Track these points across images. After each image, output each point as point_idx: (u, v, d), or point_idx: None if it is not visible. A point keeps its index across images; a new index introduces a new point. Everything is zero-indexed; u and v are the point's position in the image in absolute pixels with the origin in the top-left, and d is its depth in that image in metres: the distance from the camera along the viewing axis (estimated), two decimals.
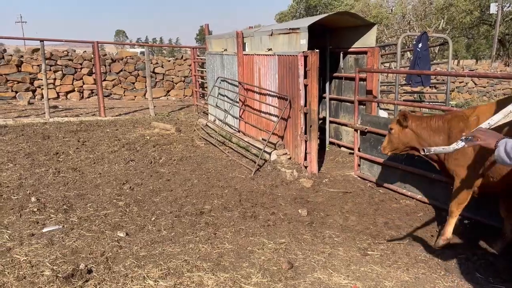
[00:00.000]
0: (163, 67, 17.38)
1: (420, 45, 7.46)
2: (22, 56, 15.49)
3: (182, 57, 18.23)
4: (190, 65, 17.08)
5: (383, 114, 7.57)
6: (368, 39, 7.37)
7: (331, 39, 8.25)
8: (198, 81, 14.14)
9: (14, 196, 5.49)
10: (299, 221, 5.08)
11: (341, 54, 7.98)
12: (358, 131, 6.60)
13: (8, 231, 4.41)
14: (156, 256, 4.00)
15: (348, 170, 7.12)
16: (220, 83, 10.00)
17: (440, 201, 5.32)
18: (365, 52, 7.28)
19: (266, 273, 3.75)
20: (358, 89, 6.57)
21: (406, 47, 20.34)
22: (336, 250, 4.28)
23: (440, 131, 4.54)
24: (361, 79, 6.98)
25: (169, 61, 17.88)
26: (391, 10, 37.22)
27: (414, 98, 13.79)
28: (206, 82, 13.20)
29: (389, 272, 3.85)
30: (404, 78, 8.38)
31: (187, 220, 4.96)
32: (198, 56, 15.14)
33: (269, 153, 7.45)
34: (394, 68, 9.10)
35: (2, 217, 4.80)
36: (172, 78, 17.42)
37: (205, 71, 12.97)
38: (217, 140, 9.01)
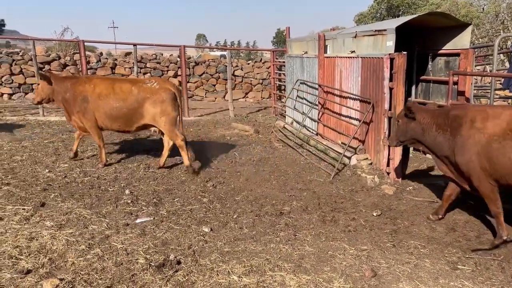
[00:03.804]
0: (242, 70, 17.82)
1: None
2: (116, 59, 16.78)
3: (261, 60, 18.54)
4: (268, 68, 17.32)
5: None
6: (461, 41, 6.94)
7: (418, 40, 7.89)
8: (276, 83, 14.30)
9: (111, 188, 5.98)
10: (381, 228, 4.93)
11: (430, 56, 7.60)
12: None
13: (106, 220, 4.82)
14: (239, 253, 4.12)
15: (434, 178, 6.75)
16: (299, 85, 10.03)
17: None
18: (457, 54, 6.86)
19: (348, 279, 3.70)
20: (451, 93, 6.22)
21: (500, 48, 18.77)
22: (423, 261, 4.10)
23: (68, 91, 6.69)
24: (453, 83, 6.59)
25: (248, 63, 18.29)
26: (483, 8, 34.59)
27: (509, 103, 12.68)
28: (283, 85, 13.32)
29: None
30: (500, 82, 7.76)
31: (267, 220, 5.05)
32: (276, 59, 15.31)
33: (349, 158, 7.32)
34: (490, 71, 8.46)
35: (101, 206, 5.26)
36: (251, 81, 17.78)
37: (283, 73, 13.09)
38: (295, 142, 9.04)
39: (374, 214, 5.31)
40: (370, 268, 3.88)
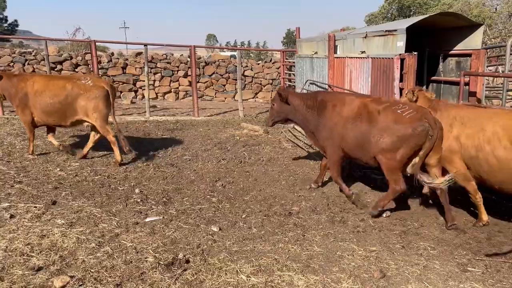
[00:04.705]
0: (252, 70, 17.84)
1: None
2: (127, 59, 16.91)
3: (271, 60, 18.54)
4: (278, 68, 17.31)
5: None
6: (472, 41, 6.88)
7: (429, 41, 7.83)
8: (286, 84, 14.29)
9: (121, 187, 6.04)
10: (391, 229, 4.91)
11: (441, 57, 7.54)
12: None
13: (116, 218, 4.86)
14: (248, 252, 4.13)
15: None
16: (308, 86, 10.01)
17: None
18: (469, 55, 6.80)
19: (357, 280, 3.69)
20: (462, 94, 6.17)
21: None
22: (432, 263, 4.07)
23: (13, 87, 7.04)
24: (464, 83, 6.53)
25: (258, 64, 18.30)
26: (495, 9, 34.16)
27: None
28: (293, 85, 13.30)
29: None
30: None
31: (276, 220, 5.05)
32: (286, 59, 15.30)
33: None
34: (502, 72, 8.36)
35: (111, 205, 5.31)
36: (260, 81, 17.79)
37: (293, 74, 13.08)
38: (304, 142, 9.02)
39: (384, 216, 5.29)
40: (379, 269, 3.86)
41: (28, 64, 15.22)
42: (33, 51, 16.35)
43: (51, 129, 7.53)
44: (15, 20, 40.26)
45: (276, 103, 6.38)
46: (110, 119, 7.26)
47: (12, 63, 15.07)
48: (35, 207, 5.05)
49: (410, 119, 4.92)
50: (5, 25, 38.74)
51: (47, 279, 3.49)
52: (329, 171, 6.07)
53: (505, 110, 4.98)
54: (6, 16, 38.56)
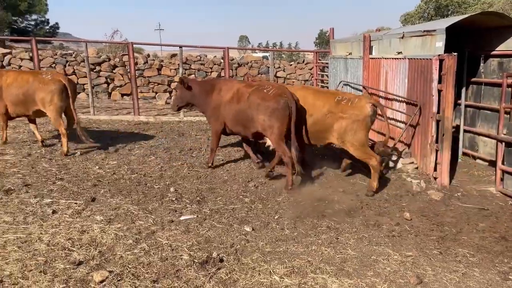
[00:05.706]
0: (284, 71, 17.82)
1: None
2: (162, 61, 17.27)
3: (303, 61, 18.47)
4: (311, 69, 17.22)
5: None
6: None
7: (468, 40, 7.58)
8: (319, 85, 14.19)
9: (156, 186, 6.17)
10: (427, 235, 4.80)
11: (482, 58, 7.28)
12: (503, 142, 5.96)
13: (152, 216, 4.97)
14: (281, 254, 4.14)
15: (485, 184, 6.47)
16: (342, 87, 9.90)
17: None
18: None
19: (393, 285, 3.63)
20: (505, 96, 5.94)
21: None
22: (471, 270, 3.95)
23: None
24: (507, 85, 6.29)
25: (290, 65, 18.27)
26: None
27: None
28: (326, 86, 13.18)
29: None
30: None
31: (309, 222, 5.03)
32: (319, 60, 15.19)
33: (394, 161, 7.15)
34: None
35: (147, 203, 5.43)
36: (293, 82, 17.74)
37: (326, 75, 12.97)
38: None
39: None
40: (416, 274, 3.77)
41: (69, 65, 15.80)
42: (73, 52, 16.95)
43: (32, 120, 8.12)
44: (56, 23, 41.71)
45: (178, 90, 7.26)
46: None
47: (54, 64, 15.69)
48: (76, 203, 5.24)
49: (273, 96, 6.02)
50: (47, 27, 40.24)
51: (87, 273, 3.62)
52: (211, 141, 7.28)
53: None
54: (48, 19, 40.05)
